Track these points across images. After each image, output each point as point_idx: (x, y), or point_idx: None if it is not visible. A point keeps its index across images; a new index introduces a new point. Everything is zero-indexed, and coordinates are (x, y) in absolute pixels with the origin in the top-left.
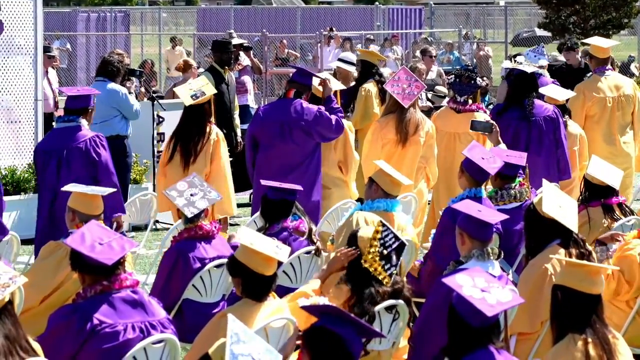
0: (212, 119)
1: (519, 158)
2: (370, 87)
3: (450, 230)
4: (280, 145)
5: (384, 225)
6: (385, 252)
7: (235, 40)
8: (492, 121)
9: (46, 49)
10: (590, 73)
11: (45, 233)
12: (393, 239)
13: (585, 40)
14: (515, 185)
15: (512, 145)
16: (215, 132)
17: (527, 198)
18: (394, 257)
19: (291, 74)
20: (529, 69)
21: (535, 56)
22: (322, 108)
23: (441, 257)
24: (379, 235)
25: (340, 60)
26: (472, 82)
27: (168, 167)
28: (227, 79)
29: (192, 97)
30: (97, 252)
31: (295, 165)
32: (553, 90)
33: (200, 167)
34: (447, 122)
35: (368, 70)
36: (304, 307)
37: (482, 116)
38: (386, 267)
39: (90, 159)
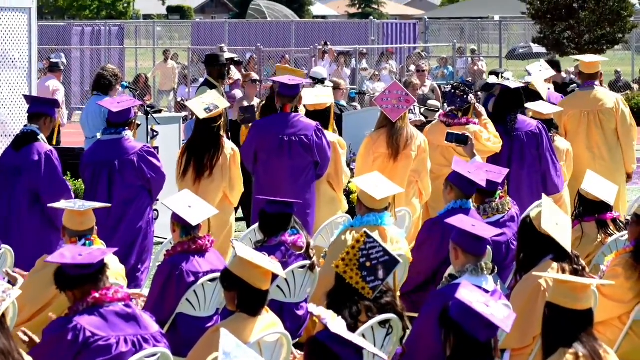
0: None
1: (498, 174)
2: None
3: (426, 243)
4: (278, 159)
5: (369, 237)
6: (368, 263)
7: (226, 55)
8: (467, 134)
9: (54, 65)
10: (571, 87)
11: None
12: (381, 253)
13: (575, 57)
14: (496, 199)
15: (494, 159)
16: (230, 147)
17: (508, 209)
18: (381, 272)
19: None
20: (514, 84)
21: (540, 70)
22: (320, 125)
23: (415, 271)
24: (359, 245)
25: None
26: (465, 96)
27: (181, 182)
28: (222, 92)
29: (205, 110)
30: (79, 260)
31: (291, 179)
32: (538, 105)
33: (217, 181)
34: (438, 136)
35: None
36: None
37: (474, 128)
38: (369, 279)
39: (142, 169)
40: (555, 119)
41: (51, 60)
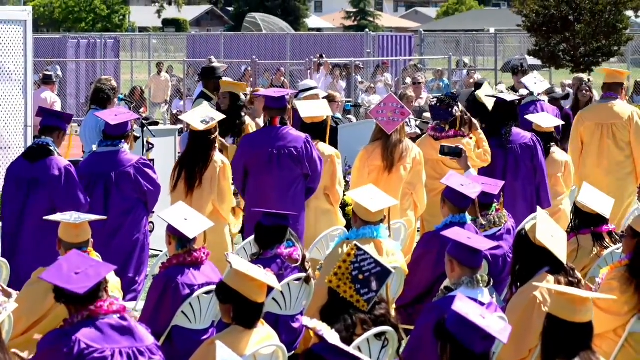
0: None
1: (494, 187)
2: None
3: (423, 257)
4: (267, 172)
5: (359, 249)
6: (361, 276)
7: (215, 66)
8: (461, 146)
9: (47, 77)
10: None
11: None
12: (373, 265)
13: (598, 68)
14: (492, 212)
15: (489, 172)
16: (220, 159)
17: (505, 222)
18: (374, 283)
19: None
20: (509, 97)
21: (535, 83)
22: (310, 138)
23: (412, 285)
24: (350, 258)
25: (304, 91)
26: (449, 109)
27: (173, 195)
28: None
29: (202, 122)
30: (72, 282)
31: (280, 191)
32: (539, 118)
33: (206, 194)
34: (427, 150)
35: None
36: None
37: (463, 141)
38: (362, 291)
39: (138, 182)
40: (572, 129)
41: (45, 72)
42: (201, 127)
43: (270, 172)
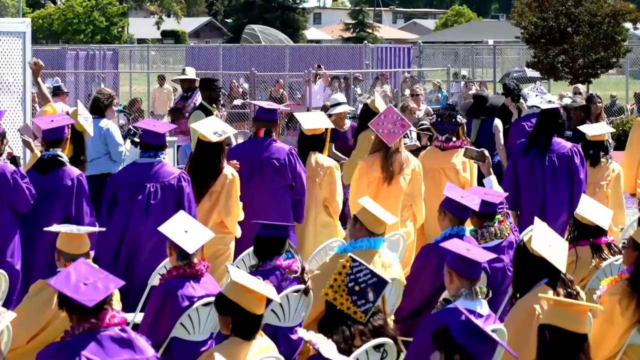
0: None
1: (496, 197)
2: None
3: (422, 270)
4: (251, 183)
5: (354, 260)
6: (357, 287)
7: (189, 75)
8: (485, 151)
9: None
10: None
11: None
12: (369, 275)
13: None
14: (494, 223)
15: (528, 181)
16: (230, 172)
17: (507, 235)
18: (371, 294)
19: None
20: (550, 105)
21: (536, 95)
22: (294, 149)
23: (411, 298)
24: (346, 270)
25: (333, 106)
26: (453, 120)
27: None
28: (216, 116)
29: (214, 134)
30: (81, 292)
31: (264, 203)
32: (587, 128)
33: (213, 205)
34: (432, 160)
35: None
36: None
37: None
38: (359, 302)
39: (180, 194)
40: (632, 134)
41: (55, 85)
42: (215, 138)
43: (253, 183)
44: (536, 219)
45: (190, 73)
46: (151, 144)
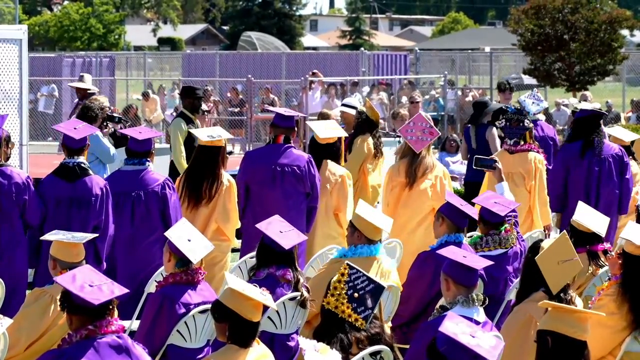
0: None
1: (505, 207)
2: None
3: (419, 277)
4: (270, 190)
5: (352, 268)
6: (356, 294)
7: (85, 85)
8: (496, 158)
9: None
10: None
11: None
12: (366, 282)
13: None
14: (501, 232)
15: (586, 181)
16: (227, 178)
17: (512, 245)
18: (369, 300)
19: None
20: (590, 106)
21: (533, 102)
22: (312, 157)
23: (407, 305)
24: (345, 278)
25: (344, 105)
26: (521, 124)
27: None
28: (197, 124)
29: (208, 136)
30: (86, 291)
31: (284, 210)
32: (618, 131)
33: (210, 211)
34: (502, 163)
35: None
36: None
37: (533, 155)
38: (359, 309)
39: (165, 201)
40: None
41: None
42: (206, 139)
43: (273, 189)
44: (579, 203)
45: (87, 81)
46: (136, 151)
